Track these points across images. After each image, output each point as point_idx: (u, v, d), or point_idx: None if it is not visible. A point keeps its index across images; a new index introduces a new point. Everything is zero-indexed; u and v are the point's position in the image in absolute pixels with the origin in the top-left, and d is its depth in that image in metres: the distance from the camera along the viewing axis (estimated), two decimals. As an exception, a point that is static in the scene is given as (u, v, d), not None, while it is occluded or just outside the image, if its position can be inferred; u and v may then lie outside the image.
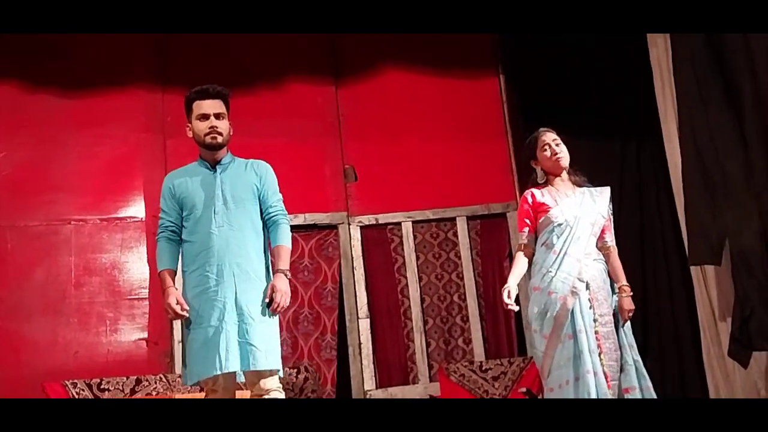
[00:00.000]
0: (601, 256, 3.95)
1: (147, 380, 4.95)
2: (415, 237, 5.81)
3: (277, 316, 3.49)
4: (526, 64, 6.08)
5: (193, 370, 3.41)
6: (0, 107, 5.46)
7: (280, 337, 3.64)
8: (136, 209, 5.51)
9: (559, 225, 3.92)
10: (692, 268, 5.03)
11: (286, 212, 3.65)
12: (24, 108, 5.50)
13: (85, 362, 5.13)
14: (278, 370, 3.44)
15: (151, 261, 5.41)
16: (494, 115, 6.06)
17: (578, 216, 3.93)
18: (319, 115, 5.93)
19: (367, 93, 5.99)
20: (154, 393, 4.89)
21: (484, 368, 5.33)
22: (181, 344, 5.14)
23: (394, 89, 6.03)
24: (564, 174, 4.08)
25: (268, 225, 3.61)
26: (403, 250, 5.79)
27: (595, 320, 3.79)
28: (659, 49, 5.25)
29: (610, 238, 4.00)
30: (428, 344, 5.62)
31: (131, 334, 5.27)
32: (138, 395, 4.85)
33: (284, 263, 3.50)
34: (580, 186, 4.07)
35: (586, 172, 4.19)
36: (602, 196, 4.04)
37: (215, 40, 5.60)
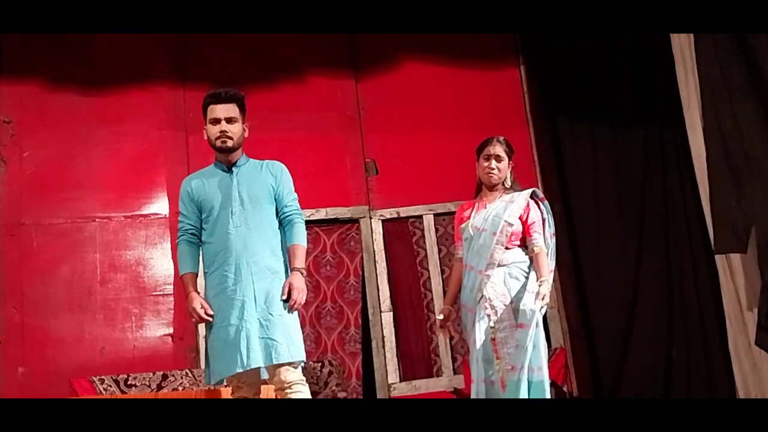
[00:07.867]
0: (517, 261, 3.86)
1: (173, 375, 5.00)
2: (436, 230, 5.80)
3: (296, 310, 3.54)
4: (547, 54, 6.05)
5: (215, 369, 3.48)
6: (23, 106, 5.51)
7: (303, 332, 3.68)
8: (160, 206, 5.54)
9: (467, 239, 3.96)
10: (717, 257, 4.97)
11: (301, 211, 3.70)
12: (47, 107, 5.54)
13: (111, 358, 5.18)
14: (301, 361, 3.48)
15: (176, 257, 5.43)
16: (515, 106, 6.04)
17: (481, 228, 3.90)
18: (339, 108, 5.93)
19: (388, 85, 5.98)
20: (180, 388, 4.93)
21: (508, 360, 5.30)
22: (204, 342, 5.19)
23: (414, 81, 6.01)
24: (499, 187, 4.00)
25: (283, 224, 3.65)
26: (425, 243, 5.78)
27: (492, 327, 3.79)
28: (681, 36, 5.19)
29: (534, 241, 3.86)
30: (451, 337, 5.59)
31: (157, 329, 5.31)
32: (164, 390, 4.89)
33: (300, 261, 3.56)
34: (508, 193, 3.98)
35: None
36: (516, 202, 3.92)
37: (235, 36, 5.58)
